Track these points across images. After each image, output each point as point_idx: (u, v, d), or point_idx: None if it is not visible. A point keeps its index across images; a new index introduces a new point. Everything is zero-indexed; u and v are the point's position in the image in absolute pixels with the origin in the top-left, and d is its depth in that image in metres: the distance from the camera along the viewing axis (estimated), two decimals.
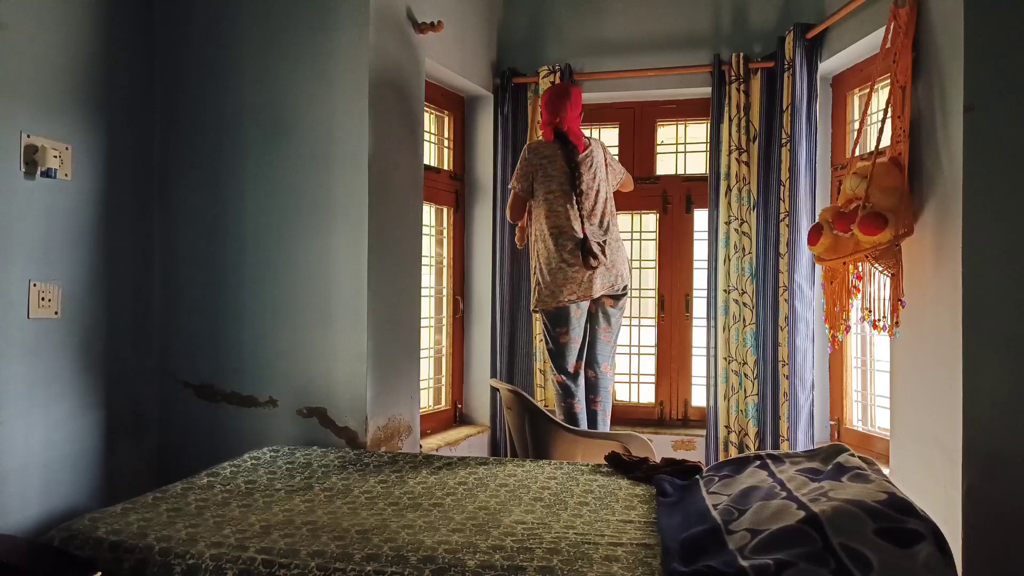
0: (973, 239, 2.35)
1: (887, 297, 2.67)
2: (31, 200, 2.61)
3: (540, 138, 3.58)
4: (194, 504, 2.19)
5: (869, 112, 3.01)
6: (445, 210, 4.00)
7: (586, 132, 4.17)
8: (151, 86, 3.17)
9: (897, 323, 2.62)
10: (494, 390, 3.96)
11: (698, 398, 4.02)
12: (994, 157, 2.35)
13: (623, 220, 4.17)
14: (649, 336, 4.14)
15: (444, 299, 4.01)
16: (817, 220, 2.89)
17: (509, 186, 3.53)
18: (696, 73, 3.84)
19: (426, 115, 3.65)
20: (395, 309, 3.18)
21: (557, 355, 3.41)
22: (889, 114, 2.69)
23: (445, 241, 4.02)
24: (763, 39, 3.75)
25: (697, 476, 2.35)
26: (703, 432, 3.81)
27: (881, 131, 2.71)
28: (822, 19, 3.41)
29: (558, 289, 3.34)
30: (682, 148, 4.15)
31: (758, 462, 2.30)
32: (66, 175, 2.72)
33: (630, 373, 4.16)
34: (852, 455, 2.16)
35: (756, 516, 1.82)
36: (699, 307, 3.98)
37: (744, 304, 3.66)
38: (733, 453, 3.63)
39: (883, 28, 2.75)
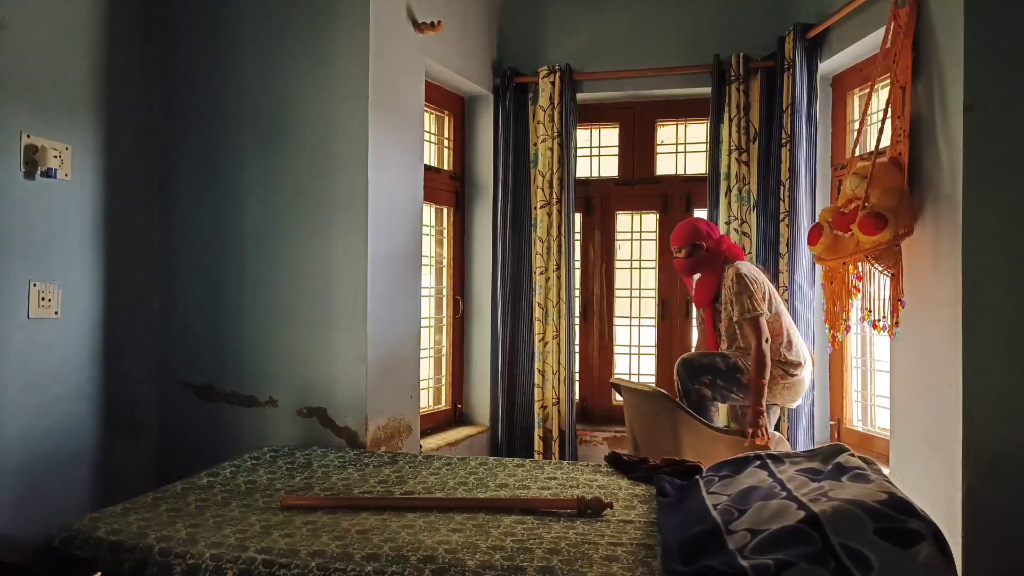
0: (973, 239, 2.35)
1: (887, 297, 2.67)
2: (31, 200, 2.61)
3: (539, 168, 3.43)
4: (194, 504, 2.19)
5: (869, 112, 3.01)
6: (445, 210, 4.00)
7: (584, 133, 4.19)
8: (151, 86, 3.17)
9: (897, 323, 2.62)
10: (494, 390, 3.96)
11: None
12: (994, 157, 2.35)
13: (623, 220, 4.18)
14: (649, 336, 4.14)
15: (444, 299, 4.01)
16: (817, 220, 2.89)
17: (759, 313, 3.13)
18: (696, 73, 3.84)
19: (426, 115, 3.65)
20: (395, 309, 3.18)
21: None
22: (889, 114, 2.69)
23: (445, 241, 4.02)
24: (763, 39, 3.75)
25: (697, 476, 2.34)
26: None
27: (881, 131, 2.71)
28: (822, 19, 3.41)
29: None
30: (682, 148, 4.15)
31: (758, 462, 2.29)
32: (66, 175, 2.72)
33: (630, 373, 4.16)
34: (852, 455, 2.16)
35: (756, 516, 1.82)
36: None
37: None
38: None
39: (883, 28, 2.75)
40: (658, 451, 3.12)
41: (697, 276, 3.40)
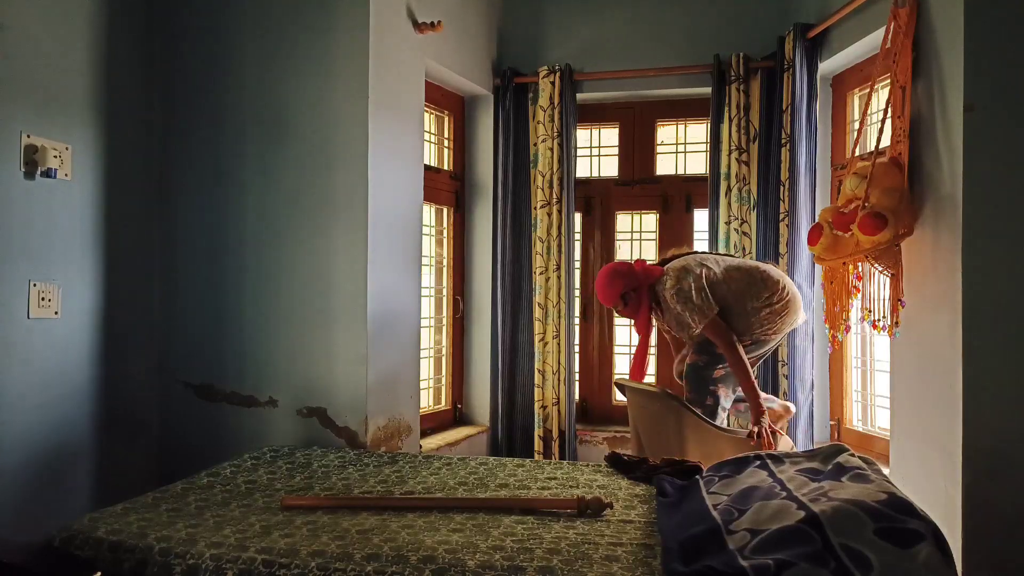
0: (973, 239, 2.35)
1: (887, 297, 2.67)
2: (31, 200, 2.61)
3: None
4: (194, 504, 2.19)
5: (869, 112, 3.00)
6: (445, 210, 4.00)
7: (584, 133, 4.20)
8: (151, 86, 3.17)
9: (897, 323, 2.62)
10: (494, 390, 3.96)
11: None
12: (994, 157, 2.35)
13: (623, 220, 4.18)
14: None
15: (444, 299, 4.01)
16: (817, 220, 2.88)
17: (711, 316, 3.08)
18: (696, 73, 3.84)
19: (426, 115, 3.65)
20: (395, 309, 3.18)
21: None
22: (889, 114, 2.69)
23: (445, 241, 4.02)
24: (763, 39, 3.75)
25: (697, 476, 2.35)
26: None
27: (881, 131, 2.71)
28: (822, 19, 3.41)
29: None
30: (682, 148, 4.15)
31: (758, 462, 2.29)
32: (66, 175, 2.72)
33: (630, 373, 4.15)
34: (852, 455, 2.16)
35: (756, 516, 1.82)
36: None
37: None
38: None
39: (883, 28, 2.75)
40: (663, 451, 3.11)
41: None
